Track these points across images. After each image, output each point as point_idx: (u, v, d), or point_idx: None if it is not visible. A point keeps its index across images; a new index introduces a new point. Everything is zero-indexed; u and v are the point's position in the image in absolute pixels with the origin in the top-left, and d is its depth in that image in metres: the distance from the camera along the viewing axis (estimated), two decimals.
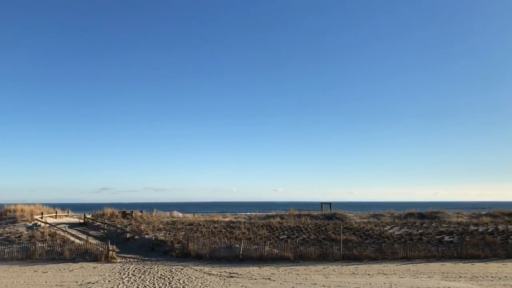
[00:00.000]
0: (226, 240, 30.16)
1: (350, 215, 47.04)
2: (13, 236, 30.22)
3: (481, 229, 34.47)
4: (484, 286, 19.04)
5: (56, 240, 29.24)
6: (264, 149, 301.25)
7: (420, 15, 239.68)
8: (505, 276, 21.49)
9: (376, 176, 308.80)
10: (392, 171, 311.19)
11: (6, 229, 32.35)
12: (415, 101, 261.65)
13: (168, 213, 47.40)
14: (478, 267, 24.67)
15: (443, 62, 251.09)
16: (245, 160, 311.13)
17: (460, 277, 21.47)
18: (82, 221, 38.52)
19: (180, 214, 48.00)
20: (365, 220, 41.85)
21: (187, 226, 35.59)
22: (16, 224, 33.94)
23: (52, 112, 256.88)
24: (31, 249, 27.19)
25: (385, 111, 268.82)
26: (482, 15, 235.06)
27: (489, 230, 33.96)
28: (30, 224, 33.88)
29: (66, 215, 43.00)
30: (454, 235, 32.72)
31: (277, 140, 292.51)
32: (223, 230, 34.19)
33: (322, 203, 56.06)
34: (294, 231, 34.09)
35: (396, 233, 33.56)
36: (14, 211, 37.58)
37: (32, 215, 36.43)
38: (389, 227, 35.98)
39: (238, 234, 32.20)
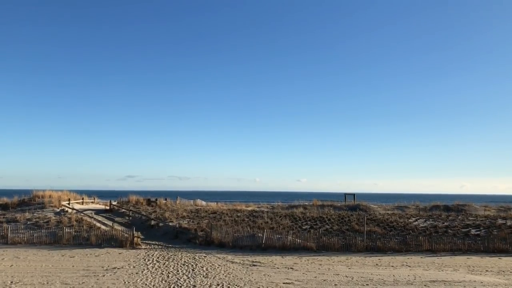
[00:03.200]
0: (249, 229, 30.28)
1: (374, 206, 46.57)
2: (42, 221, 31.02)
3: (509, 222, 33.64)
4: (511, 280, 18.64)
5: (82, 226, 29.89)
6: (288, 139, 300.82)
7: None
8: None
9: (400, 168, 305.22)
10: (417, 163, 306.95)
11: (35, 214, 33.23)
12: (442, 92, 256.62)
13: (191, 201, 47.88)
14: (505, 261, 24.15)
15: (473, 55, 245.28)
16: (268, 150, 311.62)
17: (486, 271, 21.07)
18: (108, 207, 39.22)
19: (204, 203, 48.39)
20: (389, 212, 41.36)
21: (211, 215, 35.88)
22: (44, 210, 34.82)
23: (79, 101, 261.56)
24: (59, 234, 27.87)
25: (411, 102, 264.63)
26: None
27: None
28: (58, 210, 34.72)
29: (92, 202, 43.90)
30: (481, 228, 32.06)
31: (301, 130, 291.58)
32: (246, 219, 34.31)
33: (345, 194, 55.67)
34: (317, 222, 33.97)
35: (421, 225, 33.08)
36: (43, 197, 38.58)
37: (59, 201, 37.32)
38: (413, 219, 35.48)
39: (261, 224, 32.28)
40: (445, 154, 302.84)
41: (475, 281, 18.26)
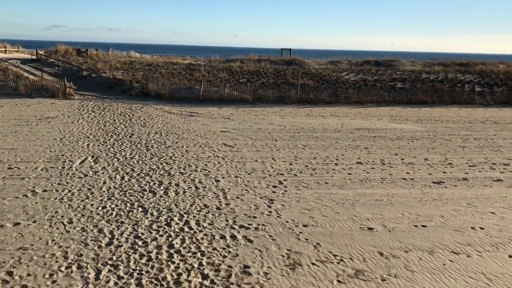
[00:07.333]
0: (186, 81, 30.18)
1: (309, 61, 47.39)
2: None
3: (432, 77, 35.90)
4: (427, 127, 20.59)
5: (9, 75, 28.31)
6: None
7: None
8: (447, 120, 23.24)
9: (335, 25, 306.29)
10: (351, 20, 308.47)
11: None
12: None
13: (125, 53, 46.11)
14: (424, 112, 26.37)
15: None
16: (205, 1, 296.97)
17: (406, 120, 23.01)
18: (34, 57, 37.00)
19: (138, 55, 46.80)
20: (323, 67, 42.40)
21: (146, 67, 35.02)
22: None
23: None
24: None
25: None
26: None
27: (439, 78, 35.48)
28: None
29: (16, 51, 41.07)
30: (407, 82, 34.06)
31: None
32: (183, 72, 33.95)
33: (282, 49, 55.79)
34: (254, 75, 34.35)
35: (352, 79, 34.49)
36: None
37: None
38: (345, 73, 36.79)
39: (198, 76, 32.16)
40: (377, 11, 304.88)
41: (395, 128, 20.02)
